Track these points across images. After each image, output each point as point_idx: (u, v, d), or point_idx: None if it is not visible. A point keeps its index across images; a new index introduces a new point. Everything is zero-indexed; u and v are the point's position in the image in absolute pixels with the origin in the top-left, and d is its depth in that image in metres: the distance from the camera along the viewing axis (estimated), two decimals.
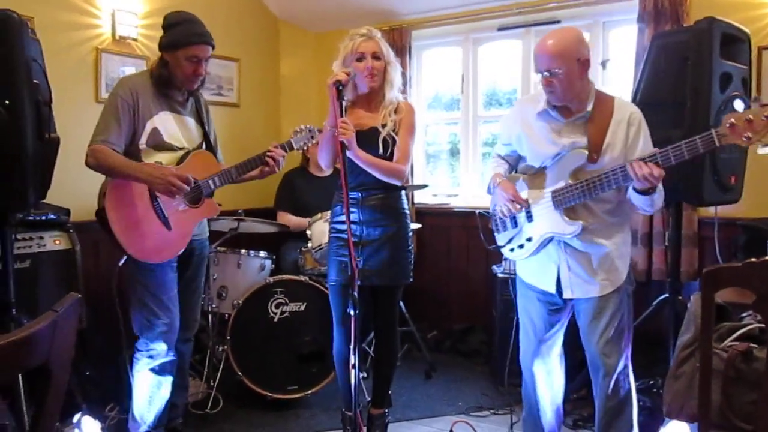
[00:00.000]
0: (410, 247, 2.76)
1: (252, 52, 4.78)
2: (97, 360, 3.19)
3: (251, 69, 4.75)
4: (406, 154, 2.66)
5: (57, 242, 3.02)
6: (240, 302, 3.36)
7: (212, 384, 3.42)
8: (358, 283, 2.19)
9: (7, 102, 2.18)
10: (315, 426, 3.21)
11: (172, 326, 2.64)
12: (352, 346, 2.16)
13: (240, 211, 3.57)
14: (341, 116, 2.39)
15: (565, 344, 2.55)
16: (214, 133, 2.86)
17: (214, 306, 3.49)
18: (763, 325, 1.88)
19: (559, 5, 4.08)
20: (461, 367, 4.07)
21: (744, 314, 2.09)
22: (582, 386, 3.15)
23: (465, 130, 4.65)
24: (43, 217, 2.99)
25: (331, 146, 2.60)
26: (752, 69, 2.94)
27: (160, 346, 2.61)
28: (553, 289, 2.38)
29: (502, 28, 4.37)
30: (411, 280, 2.77)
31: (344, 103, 2.48)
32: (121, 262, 2.62)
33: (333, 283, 2.71)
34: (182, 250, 2.65)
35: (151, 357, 2.62)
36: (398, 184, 2.68)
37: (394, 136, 2.64)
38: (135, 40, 3.86)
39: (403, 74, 2.82)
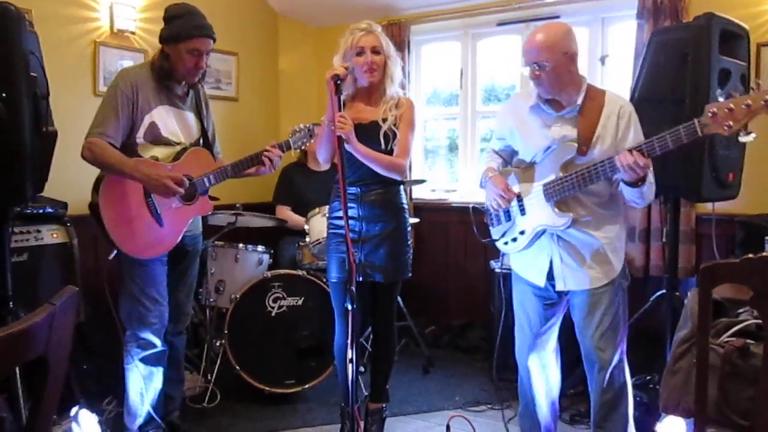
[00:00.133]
0: (409, 242, 2.76)
1: (251, 46, 4.77)
2: (94, 353, 3.19)
3: (250, 63, 4.74)
4: (406, 149, 2.66)
5: (54, 236, 3.02)
6: (237, 296, 3.36)
7: (210, 378, 3.42)
8: (359, 279, 2.19)
9: (4, 95, 2.16)
10: (312, 420, 3.21)
11: (161, 318, 2.65)
12: (349, 341, 2.16)
13: (238, 205, 3.57)
14: (339, 110, 2.39)
15: (562, 340, 2.56)
16: (213, 127, 2.86)
17: (211, 300, 3.49)
18: (760, 321, 1.88)
19: (558, 0, 4.08)
20: (459, 363, 4.08)
21: (741, 310, 2.10)
22: (579, 382, 3.15)
23: (464, 125, 4.65)
24: (41, 211, 2.99)
25: (330, 141, 2.59)
26: (751, 65, 2.94)
27: (150, 338, 2.62)
28: (543, 283, 2.39)
29: (501, 24, 4.37)
30: (410, 275, 2.77)
31: (342, 98, 2.47)
32: (111, 255, 2.62)
33: (335, 280, 2.70)
34: (173, 247, 2.65)
35: (140, 348, 2.63)
36: (398, 178, 2.69)
37: (395, 130, 2.64)
38: (133, 33, 3.85)
39: (402, 69, 2.82)
